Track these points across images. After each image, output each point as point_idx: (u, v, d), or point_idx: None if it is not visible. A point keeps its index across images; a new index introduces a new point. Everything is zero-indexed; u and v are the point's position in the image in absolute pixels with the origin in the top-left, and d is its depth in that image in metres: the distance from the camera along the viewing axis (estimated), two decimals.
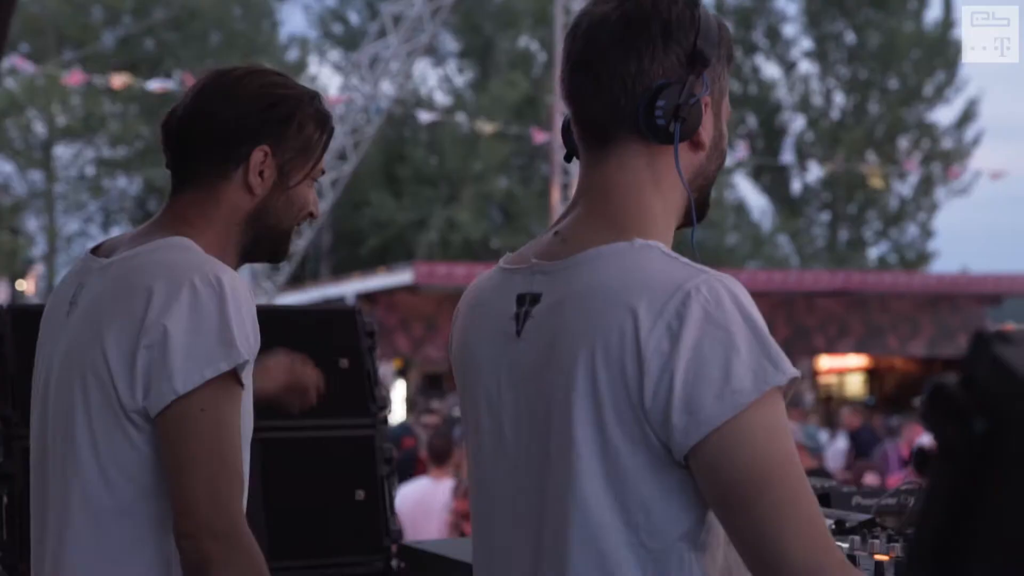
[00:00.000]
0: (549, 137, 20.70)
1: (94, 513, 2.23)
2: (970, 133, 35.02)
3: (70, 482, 2.25)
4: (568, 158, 1.98)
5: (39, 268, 31.56)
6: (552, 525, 1.74)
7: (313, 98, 2.43)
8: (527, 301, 1.82)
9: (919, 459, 1.01)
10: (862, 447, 12.51)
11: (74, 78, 19.35)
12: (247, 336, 2.18)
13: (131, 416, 2.18)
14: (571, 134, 1.93)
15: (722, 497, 1.65)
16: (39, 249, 32.05)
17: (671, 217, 1.86)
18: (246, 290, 2.23)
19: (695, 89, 1.82)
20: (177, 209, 2.39)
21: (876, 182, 32.20)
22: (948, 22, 34.13)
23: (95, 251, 2.42)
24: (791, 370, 1.65)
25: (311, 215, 2.47)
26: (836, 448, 12.96)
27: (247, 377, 2.22)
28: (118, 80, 19.59)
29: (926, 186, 35.24)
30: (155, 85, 22.61)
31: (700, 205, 1.90)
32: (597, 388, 1.67)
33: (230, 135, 2.35)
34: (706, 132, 1.86)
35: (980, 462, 0.97)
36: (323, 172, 2.51)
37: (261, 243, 2.42)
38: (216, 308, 2.15)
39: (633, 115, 1.81)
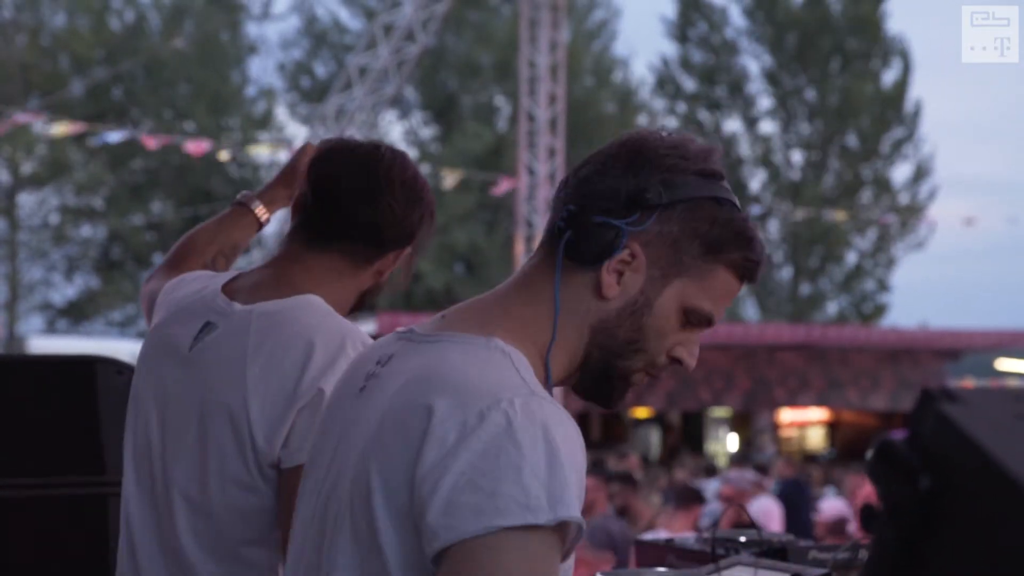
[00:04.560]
0: (514, 188, 20.76)
1: (207, 549, 2.28)
2: (925, 189, 35.49)
3: (179, 512, 2.30)
4: None
5: (0, 316, 31.30)
6: None
7: (433, 199, 2.53)
8: (382, 361, 1.74)
9: (866, 515, 1.02)
10: (790, 500, 12.10)
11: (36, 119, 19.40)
12: None
13: (261, 463, 2.23)
14: None
15: None
16: (0, 296, 31.83)
17: (555, 345, 1.73)
18: None
19: (616, 217, 1.70)
20: (307, 266, 2.44)
21: (840, 217, 32.33)
22: (905, 82, 34.64)
23: (228, 291, 2.44)
24: (568, 515, 1.48)
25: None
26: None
27: None
28: (71, 127, 19.57)
29: (883, 241, 35.55)
30: (115, 137, 22.56)
31: (598, 377, 1.77)
32: (383, 467, 1.57)
33: (393, 233, 2.44)
34: (616, 282, 1.72)
35: (926, 518, 0.98)
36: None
37: (353, 313, 2.52)
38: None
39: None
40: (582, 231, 1.70)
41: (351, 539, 1.59)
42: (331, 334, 2.25)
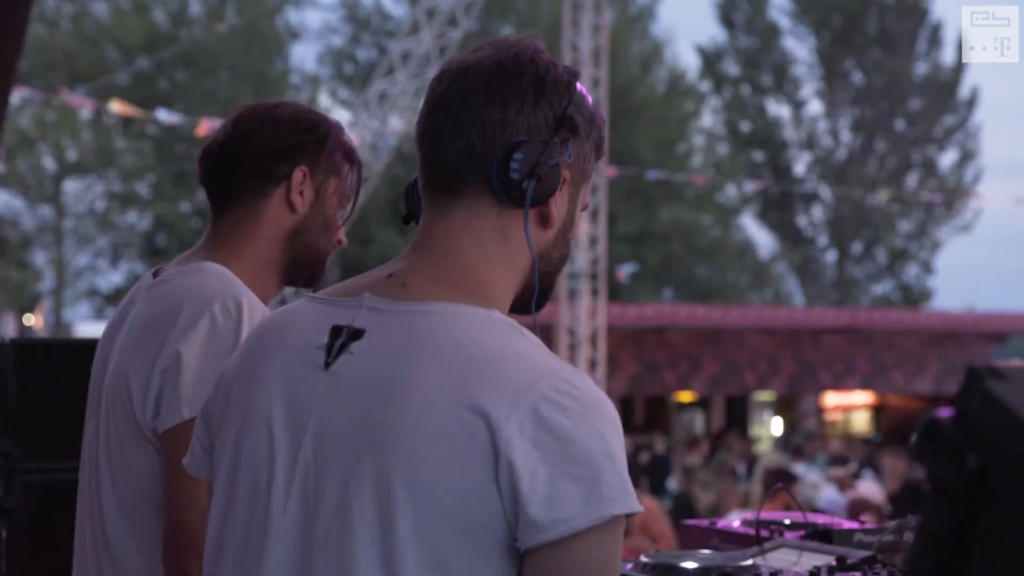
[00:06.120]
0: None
1: (116, 530, 2.35)
2: (970, 171, 35.30)
3: (103, 494, 2.38)
4: (407, 221, 1.82)
5: (47, 302, 31.55)
6: None
7: (339, 127, 2.53)
8: (344, 334, 1.63)
9: (912, 495, 1.01)
10: None
11: (85, 105, 19.57)
12: None
13: (146, 433, 2.30)
14: (413, 194, 1.80)
15: None
16: (47, 283, 32.08)
17: (512, 288, 1.73)
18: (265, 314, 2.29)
19: (557, 154, 1.69)
20: (220, 231, 2.48)
21: (885, 197, 32.12)
22: (960, 67, 34.40)
23: (156, 272, 2.51)
24: (636, 503, 1.52)
25: (340, 243, 2.55)
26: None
27: None
28: (125, 108, 19.74)
29: (927, 225, 35.38)
30: (163, 116, 22.69)
31: (538, 298, 1.76)
32: (427, 465, 1.51)
33: (271, 155, 2.44)
34: (557, 209, 1.72)
35: (972, 497, 0.97)
36: (348, 203, 2.56)
37: (300, 262, 2.50)
38: (232, 334, 2.24)
39: (487, 166, 1.66)
40: (542, 178, 1.68)
41: (370, 540, 1.53)
42: (201, 295, 2.29)
